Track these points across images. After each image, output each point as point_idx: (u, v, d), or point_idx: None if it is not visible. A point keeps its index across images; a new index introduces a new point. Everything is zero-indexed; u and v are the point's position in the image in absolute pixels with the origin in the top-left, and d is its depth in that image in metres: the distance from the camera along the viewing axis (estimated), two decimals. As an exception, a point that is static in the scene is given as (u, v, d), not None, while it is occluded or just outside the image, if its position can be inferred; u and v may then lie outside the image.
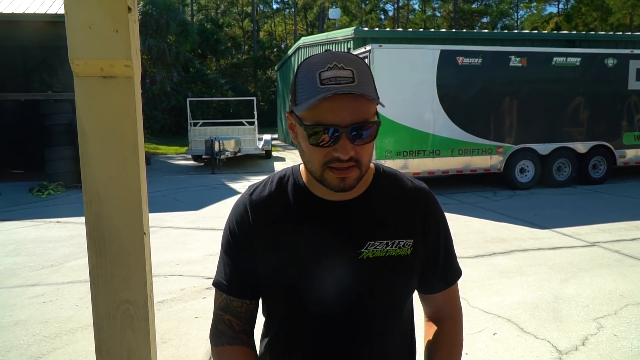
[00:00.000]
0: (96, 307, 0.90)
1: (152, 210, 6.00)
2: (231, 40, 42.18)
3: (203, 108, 27.83)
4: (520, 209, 7.72)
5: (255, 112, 16.67)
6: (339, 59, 0.85)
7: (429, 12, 55.07)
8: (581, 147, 9.80)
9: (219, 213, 7.64)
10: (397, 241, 0.98)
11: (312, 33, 44.24)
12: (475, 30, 36.75)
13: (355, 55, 0.89)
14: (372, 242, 0.96)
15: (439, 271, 1.06)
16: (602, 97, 9.71)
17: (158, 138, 24.43)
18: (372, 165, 1.01)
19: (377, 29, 28.69)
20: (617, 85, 9.76)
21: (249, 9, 49.70)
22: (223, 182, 11.39)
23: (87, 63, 0.83)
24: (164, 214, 7.65)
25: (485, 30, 35.36)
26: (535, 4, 50.93)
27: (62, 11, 9.50)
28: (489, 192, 9.35)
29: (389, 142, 8.60)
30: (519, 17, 53.55)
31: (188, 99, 17.58)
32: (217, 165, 13.48)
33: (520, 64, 9.19)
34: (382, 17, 55.68)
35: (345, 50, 13.47)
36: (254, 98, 18.42)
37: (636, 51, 10.05)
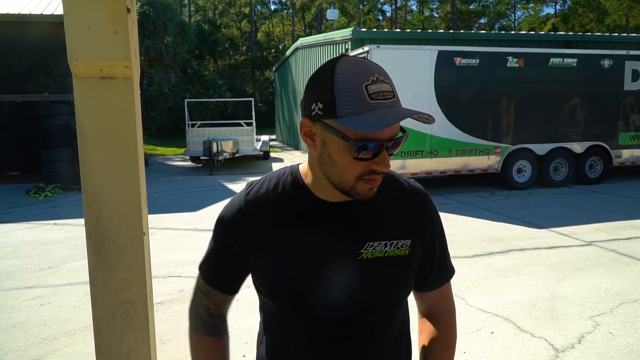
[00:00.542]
0: (96, 307, 0.90)
1: (150, 212, 5.99)
2: (229, 41, 42.17)
3: (201, 109, 27.81)
4: (518, 209, 7.74)
5: (253, 113, 16.67)
6: (377, 70, 0.85)
7: (427, 13, 55.17)
8: (578, 147, 9.84)
9: (217, 214, 7.63)
10: (396, 242, 0.98)
11: (310, 34, 44.26)
12: (472, 31, 36.83)
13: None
14: (371, 243, 0.97)
15: (435, 270, 1.07)
16: (598, 97, 9.76)
17: (156, 139, 24.38)
18: None
19: (375, 29, 28.70)
20: (613, 86, 9.81)
21: (247, 10, 49.69)
22: (221, 183, 11.38)
23: (86, 64, 0.83)
24: (162, 215, 7.64)
25: (483, 31, 35.42)
26: (532, 5, 51.07)
27: (58, 12, 9.50)
28: (487, 192, 9.37)
29: (386, 143, 8.60)
30: (517, 18, 53.70)
31: (186, 100, 17.58)
32: (215, 167, 13.47)
33: (517, 65, 9.22)
34: (380, 17, 55.79)
35: (344, 51, 13.42)
36: (252, 99, 18.42)
37: (632, 52, 10.11)
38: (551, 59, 9.38)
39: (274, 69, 30.60)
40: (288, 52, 22.84)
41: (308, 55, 18.34)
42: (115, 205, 0.88)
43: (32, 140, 11.79)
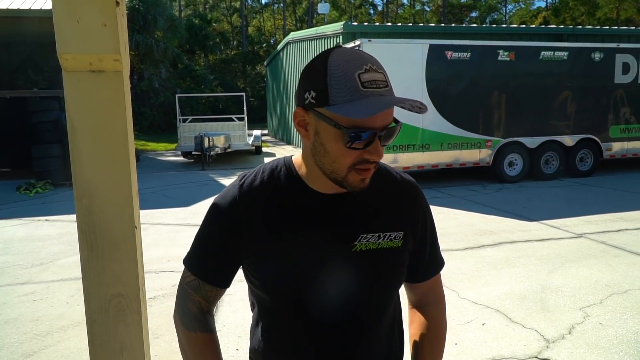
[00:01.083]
0: (88, 301, 0.90)
1: (142, 207, 5.96)
2: (220, 36, 41.82)
3: (192, 104, 27.67)
4: (509, 202, 7.80)
5: (245, 108, 16.59)
6: (369, 60, 0.86)
7: (418, 7, 55.17)
8: (569, 140, 9.92)
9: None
10: (389, 234, 0.99)
11: (301, 28, 44.09)
12: (464, 25, 36.81)
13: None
14: (365, 235, 0.97)
15: (426, 261, 1.09)
16: (589, 90, 9.83)
17: (147, 135, 24.22)
18: None
19: (366, 23, 28.65)
20: (604, 79, 9.89)
21: (238, 4, 49.37)
22: (213, 178, 11.35)
23: (76, 57, 0.82)
24: (154, 210, 7.61)
25: (474, 25, 35.41)
26: (523, -2, 51.27)
27: (46, 7, 9.39)
28: (478, 186, 9.43)
29: (378, 137, 8.61)
30: (508, 11, 53.90)
31: (177, 95, 17.45)
32: (207, 162, 13.42)
33: (508, 58, 9.26)
34: (372, 11, 55.73)
35: (334, 45, 13.55)
36: (244, 94, 18.33)
37: (622, 45, 10.19)
38: (542, 53, 9.43)
39: (265, 63, 30.46)
40: (279, 47, 22.74)
41: (299, 49, 18.27)
42: (106, 199, 0.87)
43: (22, 137, 11.67)
